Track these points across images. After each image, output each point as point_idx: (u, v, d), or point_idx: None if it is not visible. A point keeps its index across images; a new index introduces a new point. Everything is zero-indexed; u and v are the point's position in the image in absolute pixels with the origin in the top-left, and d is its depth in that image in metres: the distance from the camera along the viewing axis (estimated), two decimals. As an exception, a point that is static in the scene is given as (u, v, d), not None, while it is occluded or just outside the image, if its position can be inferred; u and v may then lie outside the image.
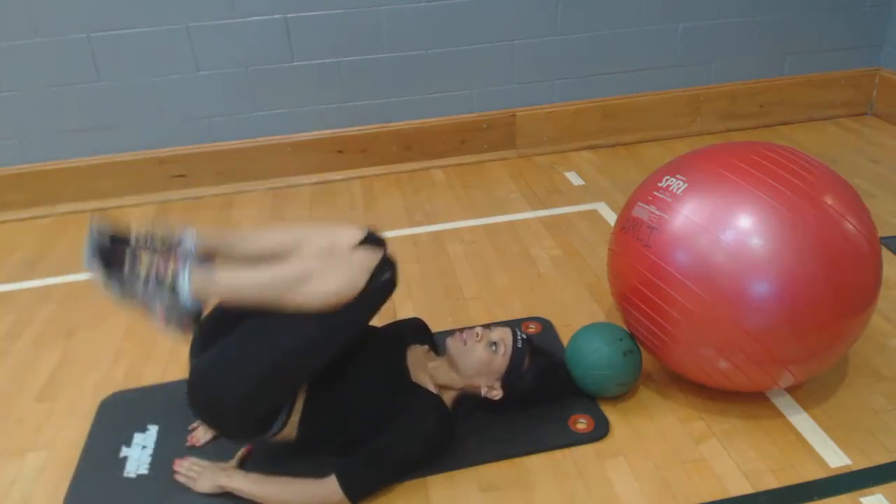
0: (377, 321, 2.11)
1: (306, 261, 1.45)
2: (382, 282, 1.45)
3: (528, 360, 1.66)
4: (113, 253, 1.44)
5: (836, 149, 3.20)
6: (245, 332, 1.49)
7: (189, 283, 1.44)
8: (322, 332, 1.46)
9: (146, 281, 1.43)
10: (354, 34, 2.95)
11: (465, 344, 1.64)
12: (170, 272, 1.44)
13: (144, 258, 1.44)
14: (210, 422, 1.59)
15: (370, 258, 1.45)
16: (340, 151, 3.16)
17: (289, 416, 1.55)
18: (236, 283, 1.47)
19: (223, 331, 1.53)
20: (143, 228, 1.50)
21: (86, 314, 2.28)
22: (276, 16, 2.86)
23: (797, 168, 1.56)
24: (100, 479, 1.64)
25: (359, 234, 1.50)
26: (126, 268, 1.43)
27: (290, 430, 1.57)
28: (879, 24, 3.38)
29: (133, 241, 1.47)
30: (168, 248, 1.48)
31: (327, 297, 1.41)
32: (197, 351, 1.61)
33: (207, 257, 1.52)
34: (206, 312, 1.52)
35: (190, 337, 1.57)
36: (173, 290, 1.43)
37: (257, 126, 3.06)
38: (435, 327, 2.04)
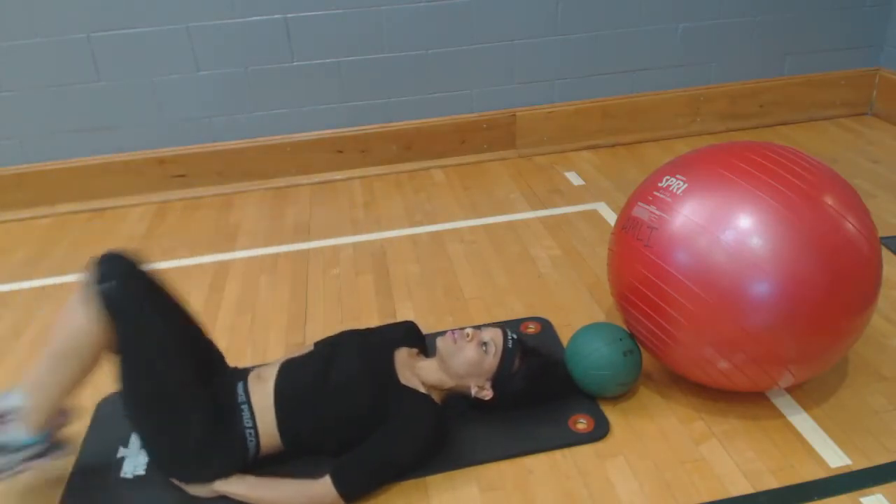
0: (374, 322, 2.12)
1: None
2: (106, 290, 1.46)
3: (519, 361, 1.66)
4: None
5: (836, 149, 3.20)
6: (125, 401, 1.54)
7: (18, 429, 1.48)
8: (143, 357, 1.49)
9: None
10: (354, 34, 2.95)
11: (456, 343, 1.64)
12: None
13: None
14: (189, 478, 1.57)
15: (77, 291, 1.49)
16: (340, 151, 3.16)
17: (255, 431, 1.56)
18: (40, 390, 1.49)
19: None
20: None
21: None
22: (276, 16, 2.86)
23: (797, 168, 1.56)
24: (97, 479, 1.64)
25: (83, 279, 1.52)
26: None
27: (272, 442, 1.58)
28: (879, 24, 3.38)
29: None
30: None
31: (81, 339, 1.46)
32: None
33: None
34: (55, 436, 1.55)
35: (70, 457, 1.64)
36: (11, 447, 1.48)
37: (257, 126, 3.06)
38: (435, 327, 2.04)
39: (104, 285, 1.46)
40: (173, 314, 1.59)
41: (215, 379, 1.62)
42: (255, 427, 1.56)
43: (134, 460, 1.67)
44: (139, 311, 1.49)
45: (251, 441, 1.56)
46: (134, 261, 1.55)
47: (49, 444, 1.52)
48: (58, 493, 1.61)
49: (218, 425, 1.53)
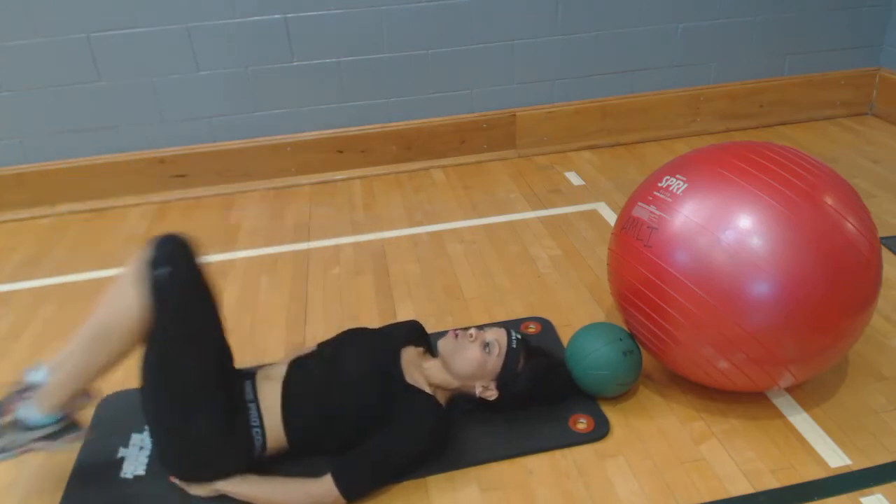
0: (376, 322, 2.12)
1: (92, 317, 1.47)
2: (158, 277, 1.41)
3: (523, 361, 1.66)
4: None
5: (836, 149, 3.20)
6: (144, 391, 1.52)
7: (34, 406, 1.45)
8: (174, 349, 1.47)
9: (4, 432, 1.45)
10: (354, 34, 2.95)
11: (457, 341, 1.64)
12: (12, 412, 1.45)
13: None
14: (192, 476, 1.57)
15: (130, 269, 1.44)
16: (340, 151, 3.16)
17: (262, 430, 1.55)
18: (66, 368, 1.47)
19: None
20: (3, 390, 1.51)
21: (85, 314, 2.27)
22: (276, 16, 2.86)
23: (797, 168, 1.56)
24: (97, 479, 1.64)
25: (136, 258, 1.49)
26: None
27: (278, 441, 1.58)
28: (879, 24, 3.38)
29: None
30: (13, 395, 1.48)
31: (124, 321, 1.42)
32: None
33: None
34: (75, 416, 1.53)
35: (85, 439, 1.59)
36: (24, 424, 1.45)
37: (257, 126, 3.06)
38: (435, 327, 2.04)
39: (158, 271, 1.42)
40: (213, 311, 1.55)
41: (230, 379, 1.62)
42: (261, 426, 1.56)
43: (134, 460, 1.67)
44: (184, 303, 1.46)
45: (258, 440, 1.55)
46: (190, 248, 1.50)
47: (63, 426, 1.49)
48: (58, 494, 1.61)
49: (227, 425, 1.52)
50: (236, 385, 1.61)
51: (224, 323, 1.63)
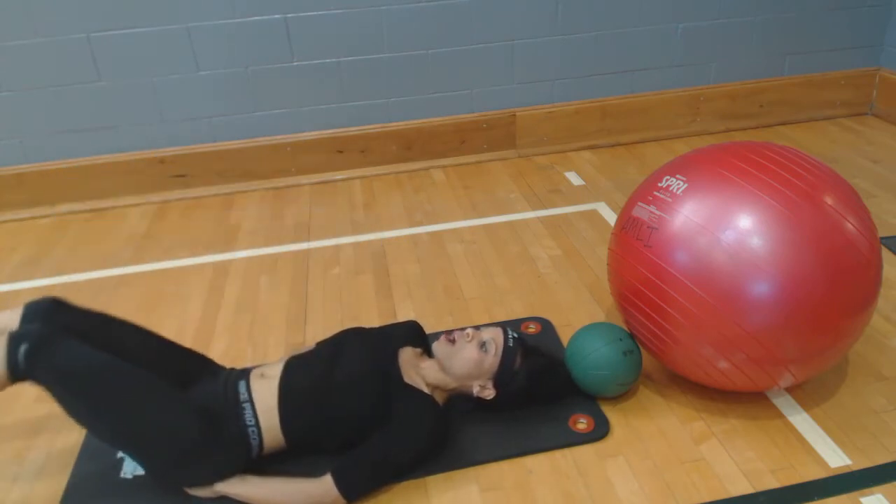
0: (376, 322, 2.12)
1: None
2: (16, 357, 1.44)
3: (521, 360, 1.66)
4: None
5: (836, 149, 3.20)
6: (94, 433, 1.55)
7: None
8: (86, 403, 1.48)
9: None
10: (354, 34, 2.95)
11: (454, 345, 1.64)
12: None
13: None
14: (186, 482, 1.56)
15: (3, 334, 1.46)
16: (340, 151, 3.16)
17: (258, 429, 1.55)
18: None
19: None
20: None
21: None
22: (276, 16, 2.86)
23: (797, 168, 1.56)
24: (97, 479, 1.64)
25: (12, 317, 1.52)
26: None
27: (275, 440, 1.58)
28: (879, 24, 3.38)
29: None
30: None
31: None
32: None
33: None
34: None
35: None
36: None
37: (257, 126, 3.06)
38: (435, 327, 2.04)
39: (20, 349, 1.44)
40: (111, 339, 1.57)
41: (202, 381, 1.62)
42: (257, 425, 1.56)
43: (134, 461, 1.67)
44: (59, 366, 1.46)
45: (254, 439, 1.56)
46: (57, 311, 1.58)
47: None
48: (58, 494, 1.61)
49: (213, 426, 1.52)
50: (226, 384, 1.61)
51: (158, 337, 1.67)
